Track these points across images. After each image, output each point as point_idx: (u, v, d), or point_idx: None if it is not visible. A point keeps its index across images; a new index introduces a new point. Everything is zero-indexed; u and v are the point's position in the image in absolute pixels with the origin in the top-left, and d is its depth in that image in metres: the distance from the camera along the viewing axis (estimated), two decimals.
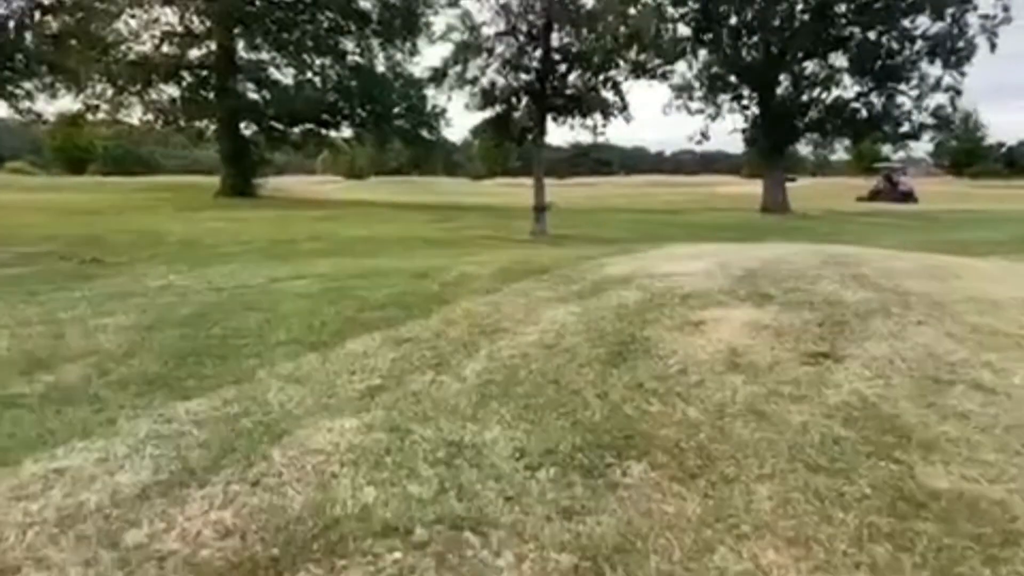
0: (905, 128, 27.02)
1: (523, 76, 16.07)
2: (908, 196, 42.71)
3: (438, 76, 16.38)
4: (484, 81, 16.39)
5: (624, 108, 16.37)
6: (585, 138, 17.22)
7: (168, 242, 13.81)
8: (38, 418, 4.04)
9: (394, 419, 3.79)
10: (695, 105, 27.78)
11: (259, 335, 5.63)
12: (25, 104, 22.59)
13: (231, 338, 5.55)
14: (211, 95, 27.17)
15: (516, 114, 16.37)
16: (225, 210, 21.69)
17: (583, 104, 15.79)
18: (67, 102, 27.29)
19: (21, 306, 7.28)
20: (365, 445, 3.50)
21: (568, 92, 16.13)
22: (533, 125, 15.84)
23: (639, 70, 15.76)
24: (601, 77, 15.71)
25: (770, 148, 26.82)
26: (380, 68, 29.65)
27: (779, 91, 26.59)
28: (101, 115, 26.63)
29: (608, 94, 16.03)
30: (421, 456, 3.36)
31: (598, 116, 16.59)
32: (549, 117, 16.37)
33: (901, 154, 38.74)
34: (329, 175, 78.56)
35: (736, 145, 37.41)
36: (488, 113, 16.76)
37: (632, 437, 3.39)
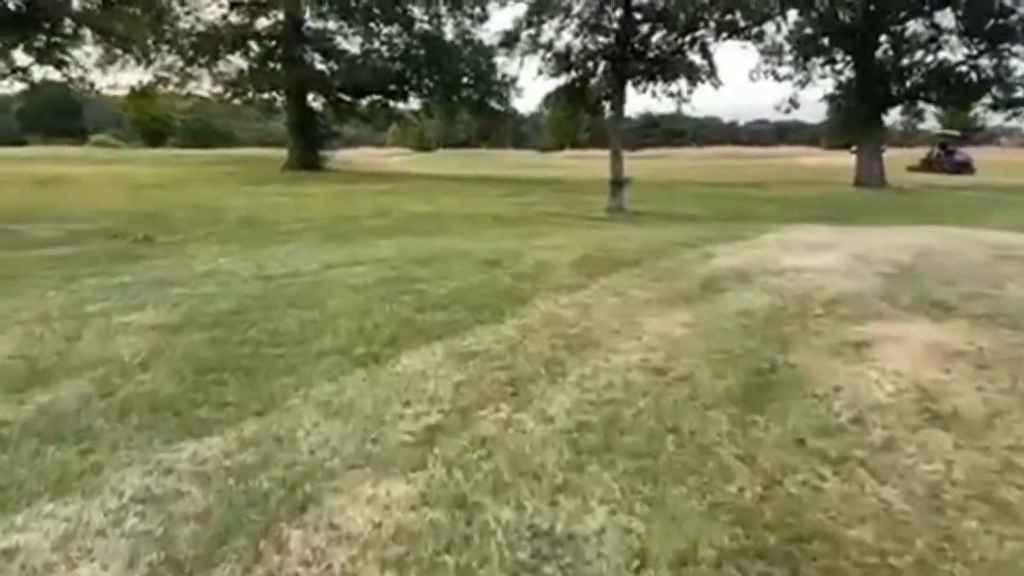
0: (1019, 94, 24.49)
1: (601, 38, 14.77)
2: (964, 166, 39.96)
3: (509, 40, 15.21)
4: (559, 44, 15.20)
5: (712, 73, 14.91)
6: (667, 107, 15.85)
7: (227, 219, 13.15)
8: (9, 461, 3.17)
9: (458, 484, 2.78)
10: (784, 70, 25.85)
11: (299, 341, 4.70)
12: (77, 72, 22.31)
13: (265, 345, 4.63)
14: (278, 66, 26.60)
15: (593, 80, 15.10)
16: (290, 184, 21.11)
17: (667, 68, 14.41)
18: (138, 74, 27.14)
19: (51, 294, 6.56)
20: (417, 530, 2.50)
21: (651, 55, 14.76)
22: (611, 92, 14.53)
23: (728, 30, 14.25)
24: (688, 38, 14.29)
25: (867, 116, 24.69)
26: (448, 35, 28.58)
27: (877, 54, 24.37)
28: (171, 87, 26.40)
29: (695, 57, 14.61)
30: (496, 557, 2.33)
31: (683, 82, 15.18)
32: (629, 84, 15.06)
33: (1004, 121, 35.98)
34: (398, 147, 78.41)
35: (815, 114, 35.00)
36: (562, 80, 15.55)
37: (807, 541, 2.28)
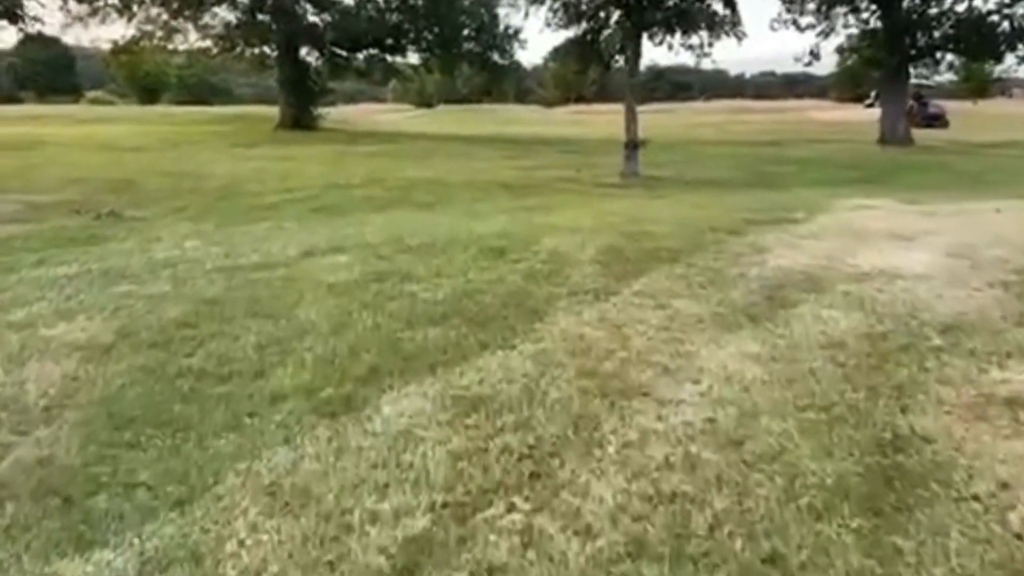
0: None
1: None
2: (937, 119, 39.07)
3: None
4: None
5: (736, 23, 13.62)
6: (674, 59, 14.60)
7: (206, 188, 12.04)
8: None
9: None
10: (805, 20, 24.27)
11: (254, 373, 3.68)
12: (35, 27, 20.97)
13: (210, 379, 3.62)
14: (268, 18, 25.12)
15: (605, 32, 13.83)
16: (281, 146, 19.89)
17: (687, 19, 13.12)
18: (121, 28, 25.73)
19: None
20: None
21: (669, 4, 13.47)
22: (625, 46, 13.27)
23: None
24: None
25: (895, 68, 23.21)
26: None
27: (904, 3, 22.81)
28: (155, 42, 24.98)
29: (718, 6, 13.33)
30: None
31: (704, 33, 13.90)
32: (644, 36, 13.78)
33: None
34: (399, 104, 76.51)
35: (824, 66, 33.39)
36: (572, 32, 14.29)
37: None
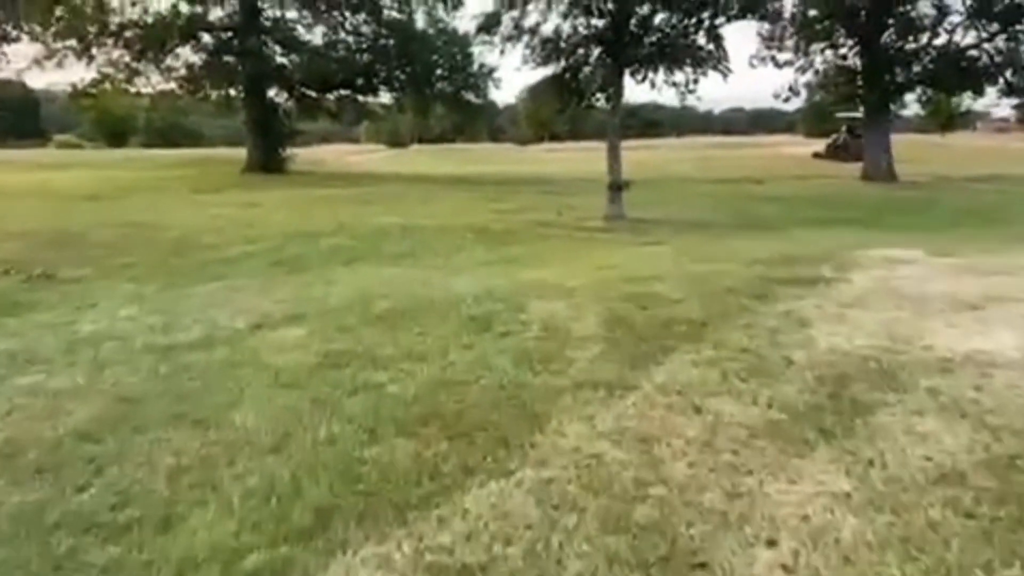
0: None
1: (595, 21, 12.83)
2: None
3: (489, 24, 13.18)
4: (546, 29, 13.25)
5: (720, 59, 13.02)
6: (655, 97, 13.95)
7: (160, 241, 11.05)
8: None
9: None
10: (784, 56, 23.96)
11: (160, 523, 2.73)
12: None
13: (94, 536, 2.66)
14: (233, 60, 24.32)
15: (586, 69, 13.16)
16: (246, 191, 18.94)
17: (671, 55, 12.50)
18: (82, 70, 24.79)
19: None
20: None
21: (651, 40, 12.85)
22: (606, 83, 12.60)
23: (745, 8, 12.34)
24: (694, 19, 12.39)
25: (875, 105, 22.92)
26: (420, 23, 26.46)
27: (883, 38, 22.60)
28: (118, 84, 24.02)
29: (702, 41, 12.72)
30: None
31: (688, 70, 13.27)
32: (627, 73, 13.14)
33: None
34: (372, 144, 75.98)
35: (790, 103, 33.11)
36: (550, 69, 13.60)
37: None
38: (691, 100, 13.96)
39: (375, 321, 5.51)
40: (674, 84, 13.54)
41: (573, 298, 5.67)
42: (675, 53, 12.47)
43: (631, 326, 4.49)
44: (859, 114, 45.08)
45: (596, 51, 13.18)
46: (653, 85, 13.65)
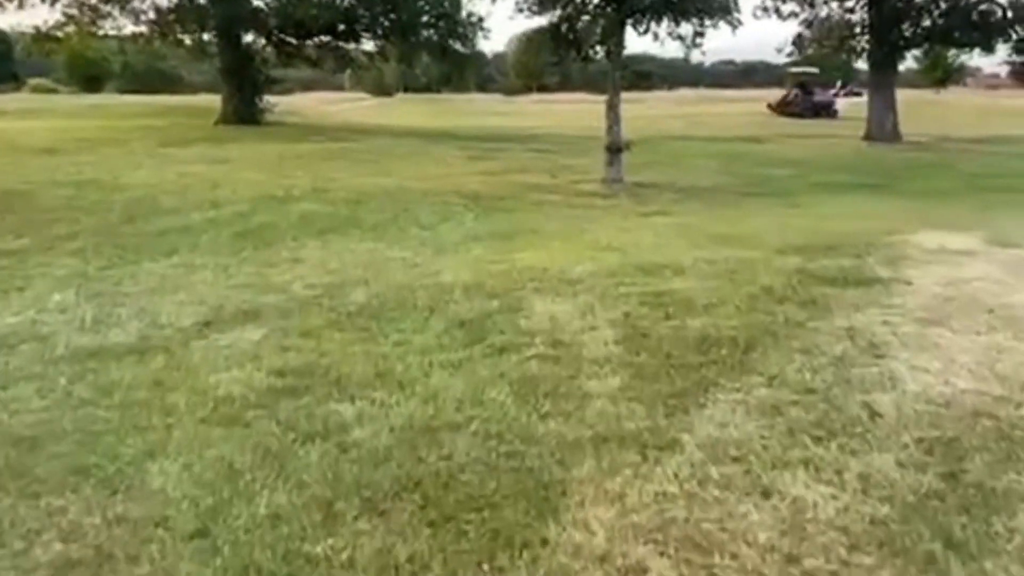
0: None
1: None
2: (825, 108, 38.49)
3: None
4: None
5: (728, 10, 11.96)
6: (659, 50, 12.94)
7: (114, 203, 10.01)
8: None
9: None
10: (788, 8, 22.74)
11: None
12: None
13: None
14: (206, 1, 22.78)
15: (584, 19, 12.07)
16: (218, 144, 17.75)
17: (678, 5, 11.42)
18: (43, 12, 23.25)
19: None
20: None
21: None
22: (606, 34, 11.52)
23: None
24: None
25: (882, 60, 21.85)
26: None
27: None
28: (83, 27, 22.49)
29: None
30: None
31: (696, 21, 12.20)
32: (629, 24, 12.06)
33: None
34: (357, 92, 73.79)
35: (780, 56, 32.53)
36: (545, 19, 12.48)
37: None
38: (695, 54, 12.90)
39: (345, 321, 4.63)
40: (679, 37, 12.50)
41: (580, 294, 4.81)
42: (682, 3, 11.38)
43: (657, 345, 3.64)
44: (813, 70, 44.52)
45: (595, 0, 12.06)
46: (656, 37, 12.60)
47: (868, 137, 22.32)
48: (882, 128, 22.19)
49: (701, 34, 12.20)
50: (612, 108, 12.48)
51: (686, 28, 12.23)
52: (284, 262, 6.78)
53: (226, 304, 5.17)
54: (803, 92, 40.17)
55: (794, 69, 45.98)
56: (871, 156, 18.80)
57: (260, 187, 11.63)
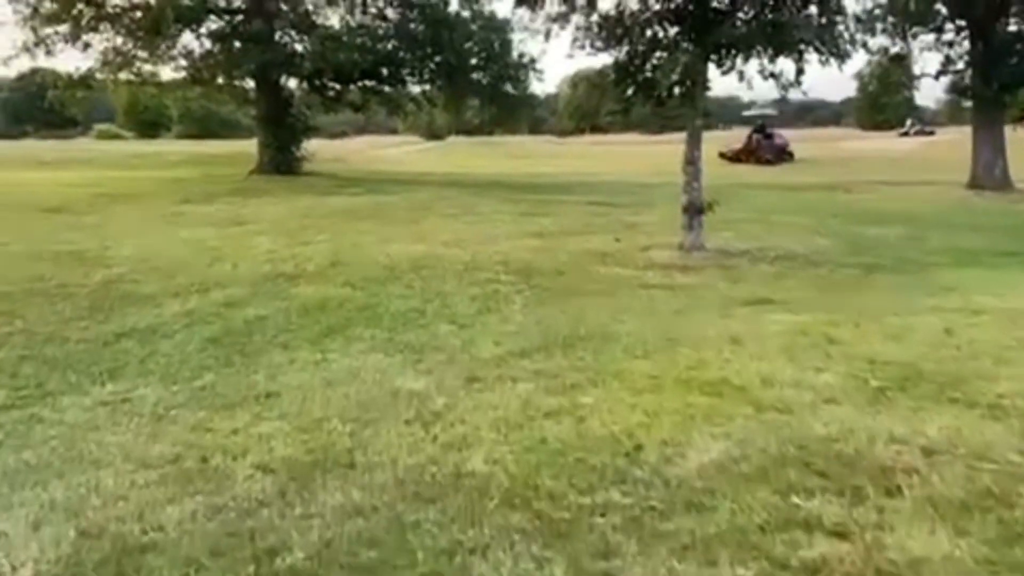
0: None
1: None
2: (784, 152, 35.28)
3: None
4: (605, 4, 10.11)
5: (837, 42, 9.74)
6: (763, 92, 10.87)
7: (83, 287, 8.20)
8: None
9: None
10: (877, 42, 20.32)
11: None
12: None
13: None
14: (250, 46, 21.48)
15: (657, 55, 9.98)
16: (242, 200, 16.09)
17: (780, 35, 9.26)
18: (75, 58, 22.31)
19: None
20: None
21: (745, 16, 9.64)
22: (688, 73, 9.39)
23: None
24: None
25: (992, 98, 19.28)
26: (452, 6, 23.43)
27: (1006, 24, 18.89)
28: (111, 73, 21.39)
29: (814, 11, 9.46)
30: None
31: (799, 54, 10.00)
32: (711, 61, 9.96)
33: None
34: (410, 135, 73.27)
35: (838, 92, 29.82)
36: (608, 57, 10.44)
37: None
38: (794, 93, 10.68)
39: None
40: (772, 75, 10.29)
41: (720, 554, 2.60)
42: (782, 33, 9.22)
43: None
44: (771, 111, 40.80)
45: (672, 31, 9.99)
46: (742, 77, 10.41)
47: (974, 185, 19.66)
48: (990, 174, 19.52)
49: (800, 71, 9.98)
50: (692, 163, 10.31)
51: (782, 63, 10.03)
52: (251, 401, 4.74)
53: (107, 528, 3.09)
54: (763, 136, 36.41)
55: (750, 112, 42.10)
56: (988, 209, 16.20)
57: (269, 259, 9.76)
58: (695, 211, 10.32)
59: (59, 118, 77.81)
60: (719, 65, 10.25)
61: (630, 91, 10.57)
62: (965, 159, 21.31)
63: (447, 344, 6.02)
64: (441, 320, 6.89)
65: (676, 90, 9.73)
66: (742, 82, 10.54)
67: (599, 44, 10.00)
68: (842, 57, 9.78)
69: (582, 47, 10.06)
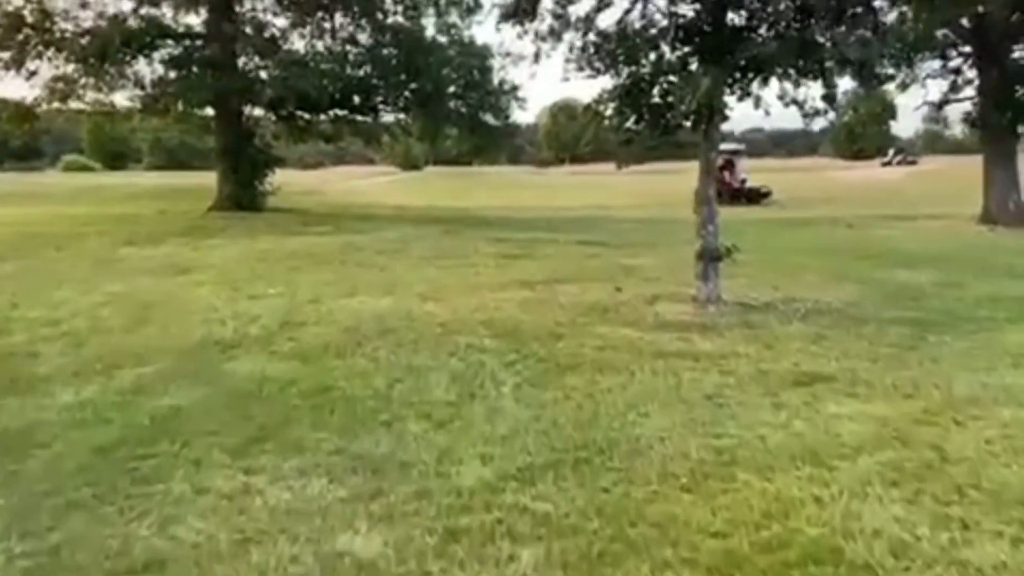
0: None
1: (685, 6, 8.30)
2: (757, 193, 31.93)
3: (520, 10, 8.64)
4: (605, 20, 8.71)
5: (872, 63, 8.41)
6: (787, 121, 9.54)
7: None
8: None
9: None
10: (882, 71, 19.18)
11: None
12: None
13: None
14: (207, 72, 19.94)
15: (669, 78, 8.57)
16: (192, 242, 14.42)
17: (811, 55, 7.88)
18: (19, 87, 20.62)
19: None
20: None
21: (767, 32, 8.27)
22: (708, 98, 7.96)
23: None
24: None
25: (1006, 128, 18.19)
26: (429, 31, 22.12)
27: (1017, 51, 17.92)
28: (57, 102, 19.75)
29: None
30: None
31: (809, 80, 8.65)
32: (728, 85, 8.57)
33: None
34: (388, 165, 72.03)
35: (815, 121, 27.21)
36: (608, 79, 9.00)
37: None
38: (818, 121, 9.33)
39: None
40: (794, 102, 8.90)
41: None
42: (816, 52, 7.84)
43: None
44: (738, 146, 37.09)
45: (682, 51, 8.59)
46: (758, 104, 9.02)
47: (987, 219, 18.49)
48: (1005, 208, 18.35)
49: (832, 97, 8.59)
50: (706, 202, 8.86)
51: (806, 88, 8.65)
52: None
53: None
54: (731, 172, 32.40)
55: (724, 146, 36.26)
56: (1013, 248, 14.91)
57: (206, 319, 8.12)
58: (711, 258, 8.84)
59: (24, 149, 75.76)
60: (732, 90, 8.84)
61: (631, 121, 9.10)
62: (958, 190, 20.26)
63: (417, 460, 4.43)
64: (411, 414, 5.30)
65: (692, 116, 8.26)
66: (758, 109, 9.20)
67: (598, 66, 8.54)
68: (879, 81, 8.41)
69: (580, 68, 8.60)
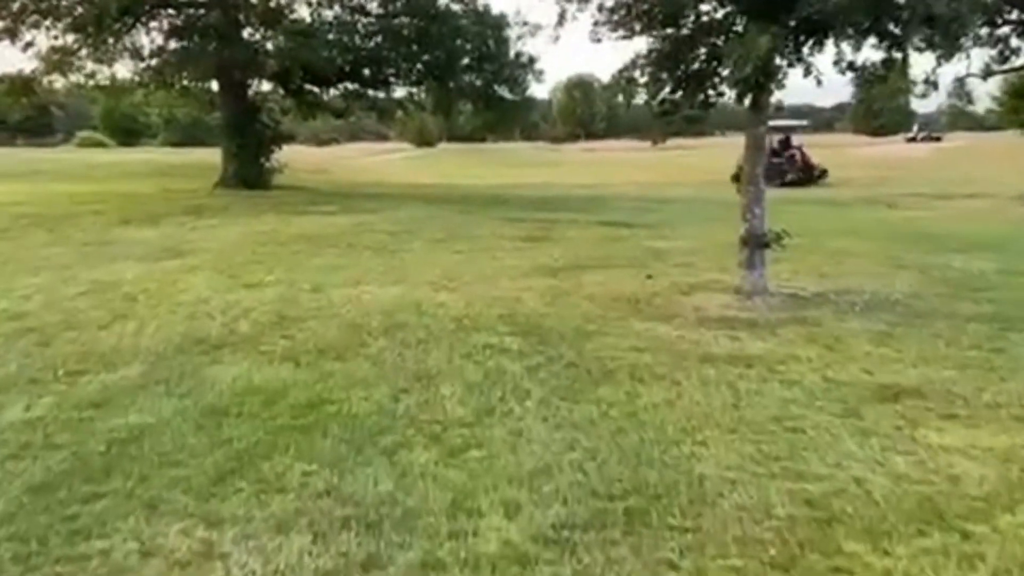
0: None
1: None
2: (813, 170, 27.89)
3: None
4: None
5: (965, 23, 7.29)
6: (797, 96, 8.53)
7: None
8: None
9: None
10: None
11: None
12: None
13: None
14: (209, 42, 18.98)
15: (706, 42, 7.55)
16: (193, 222, 13.58)
17: (888, 10, 6.83)
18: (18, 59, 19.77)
19: None
20: None
21: None
22: (762, 64, 6.93)
23: None
24: None
25: None
26: (442, 1, 20.99)
27: None
28: (55, 73, 18.89)
29: None
30: None
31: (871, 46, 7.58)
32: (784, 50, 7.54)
33: None
34: (400, 142, 70.93)
35: (827, 97, 24.92)
36: (641, 41, 7.97)
37: None
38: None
39: None
40: (852, 67, 7.84)
41: None
42: (889, 7, 6.79)
43: None
44: (801, 122, 32.40)
45: (727, 8, 7.55)
46: (808, 71, 7.94)
47: None
48: None
49: (895, 62, 7.54)
50: (752, 182, 7.86)
51: (868, 53, 7.60)
52: None
53: None
54: (799, 150, 28.78)
55: (777, 122, 29.69)
56: None
57: (192, 313, 7.26)
58: (757, 244, 7.86)
59: (38, 126, 75.19)
60: (783, 55, 7.79)
61: (667, 89, 8.09)
62: (988, 168, 19.04)
63: (423, 507, 3.54)
64: (418, 438, 4.42)
65: (739, 84, 7.25)
66: (807, 77, 8.13)
67: (634, 25, 7.52)
68: (955, 49, 7.35)
69: (613, 29, 7.58)
